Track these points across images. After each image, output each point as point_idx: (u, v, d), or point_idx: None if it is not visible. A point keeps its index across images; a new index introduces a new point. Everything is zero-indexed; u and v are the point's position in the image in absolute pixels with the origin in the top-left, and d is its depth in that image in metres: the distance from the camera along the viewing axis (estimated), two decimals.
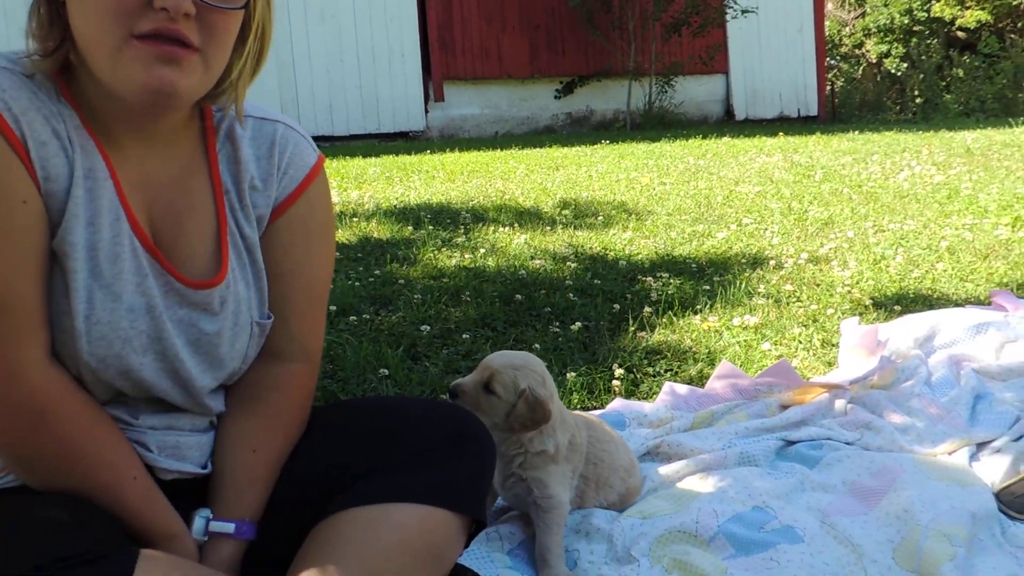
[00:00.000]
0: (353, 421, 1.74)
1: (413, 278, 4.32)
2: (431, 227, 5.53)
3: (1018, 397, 2.81)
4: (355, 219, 5.80)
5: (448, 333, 3.50)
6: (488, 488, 1.78)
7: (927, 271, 4.40)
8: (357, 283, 4.18)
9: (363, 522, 1.53)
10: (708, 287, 4.15)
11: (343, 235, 5.33)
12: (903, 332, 3.38)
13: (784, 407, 2.81)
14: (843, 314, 3.71)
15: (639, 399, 2.96)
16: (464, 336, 3.43)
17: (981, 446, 2.60)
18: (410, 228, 5.54)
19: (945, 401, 2.83)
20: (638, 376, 3.13)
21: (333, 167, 8.53)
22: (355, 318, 3.65)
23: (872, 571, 2.00)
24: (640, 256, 4.78)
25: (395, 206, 6.28)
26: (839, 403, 2.81)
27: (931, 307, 3.77)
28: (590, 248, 4.98)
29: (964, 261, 4.52)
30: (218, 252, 1.53)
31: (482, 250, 4.91)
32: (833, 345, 3.41)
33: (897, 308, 3.78)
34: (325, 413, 1.77)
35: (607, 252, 4.89)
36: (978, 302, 3.88)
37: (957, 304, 3.84)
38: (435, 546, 1.61)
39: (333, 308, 3.72)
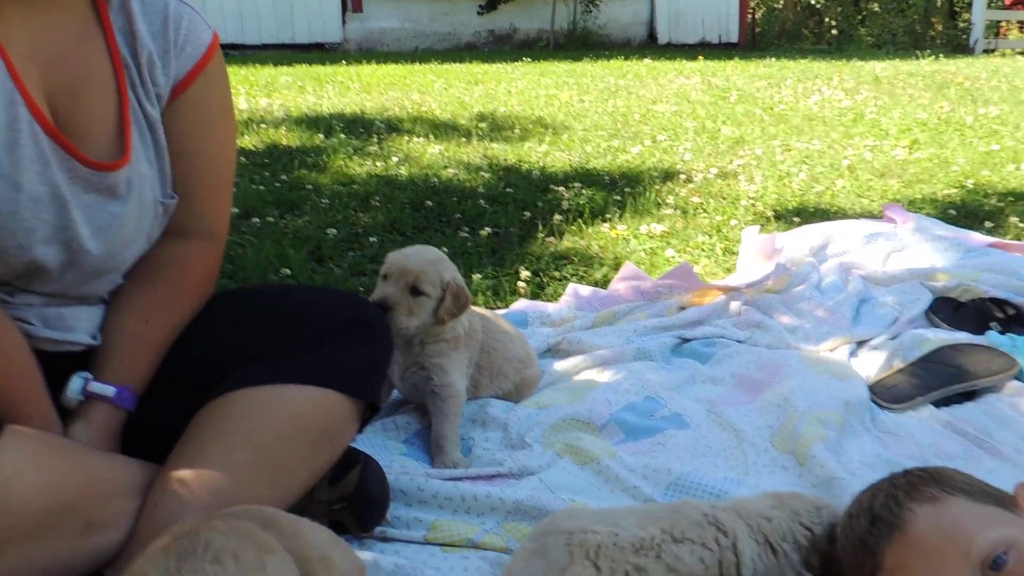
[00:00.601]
0: (251, 307, 1.70)
1: (322, 184, 4.21)
2: (343, 136, 5.37)
3: (898, 300, 2.97)
4: (263, 126, 5.58)
5: (355, 237, 3.45)
6: (384, 375, 1.78)
7: (827, 187, 4.55)
8: (262, 187, 4.05)
9: (254, 402, 1.51)
10: (619, 198, 4.20)
11: (249, 141, 5.13)
12: (799, 241, 3.50)
13: (683, 308, 2.90)
14: (746, 225, 3.81)
15: (544, 301, 3.00)
16: (372, 240, 3.39)
17: (861, 344, 2.75)
18: (321, 136, 5.38)
19: (832, 304, 2.96)
20: (544, 280, 3.17)
21: (241, 75, 8.15)
22: (258, 220, 3.55)
23: (751, 453, 2.11)
24: (554, 168, 4.78)
25: (306, 115, 6.07)
26: (734, 305, 2.91)
27: (829, 220, 3.91)
28: (505, 159, 4.95)
29: (863, 179, 4.69)
30: (121, 131, 1.45)
31: (395, 159, 4.81)
32: (734, 253, 3.51)
33: (796, 220, 3.91)
34: (223, 299, 1.72)
35: (521, 164, 4.86)
36: (872, 216, 4.04)
37: (853, 217, 3.99)
38: (327, 428, 1.61)
39: (236, 210, 3.61)
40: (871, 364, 2.60)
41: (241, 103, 6.50)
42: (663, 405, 2.23)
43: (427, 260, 2.06)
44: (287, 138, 5.26)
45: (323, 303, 1.72)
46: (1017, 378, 2.44)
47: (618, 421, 2.16)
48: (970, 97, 7.46)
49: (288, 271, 3.00)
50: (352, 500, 1.68)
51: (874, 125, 6.18)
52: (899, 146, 5.45)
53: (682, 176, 4.68)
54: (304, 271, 3.02)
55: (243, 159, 4.59)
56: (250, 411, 1.50)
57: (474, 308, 2.21)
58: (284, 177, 4.27)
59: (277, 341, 1.59)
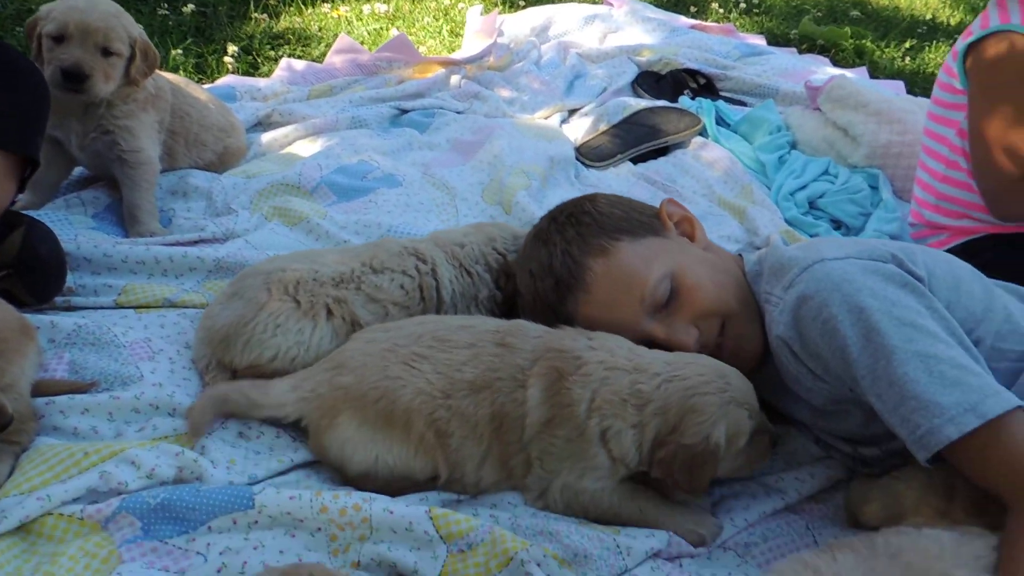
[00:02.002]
0: None
1: None
2: None
3: (607, 73, 3.12)
4: None
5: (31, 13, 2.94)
6: (40, 126, 1.58)
7: None
8: None
9: None
10: None
11: None
12: (522, 22, 3.52)
13: (402, 82, 2.84)
14: (480, 7, 3.74)
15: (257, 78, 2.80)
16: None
17: (573, 112, 2.88)
18: None
19: (548, 77, 3.06)
20: (258, 59, 2.94)
21: None
22: None
23: (463, 207, 2.19)
24: None
25: None
26: (454, 79, 2.90)
27: (552, 3, 3.94)
28: None
29: None
30: None
31: None
32: (460, 35, 3.46)
33: (522, 4, 3.91)
34: None
35: None
36: (595, 1, 4.13)
37: (574, 1, 4.05)
38: None
39: None
40: (579, 129, 2.74)
41: None
42: (376, 167, 2.22)
43: (109, 15, 1.80)
44: None
45: None
46: (701, 134, 2.70)
47: (329, 183, 2.12)
48: None
49: None
50: (18, 266, 1.52)
51: None
52: None
53: None
54: None
55: None
56: None
57: (157, 72, 2.00)
58: None
59: None
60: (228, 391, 1.36)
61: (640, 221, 1.52)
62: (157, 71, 1.95)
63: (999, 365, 1.25)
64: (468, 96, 2.80)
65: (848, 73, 3.27)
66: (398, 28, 3.42)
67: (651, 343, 1.39)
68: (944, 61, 1.90)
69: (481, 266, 1.64)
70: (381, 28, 3.39)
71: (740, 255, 1.56)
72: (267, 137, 2.33)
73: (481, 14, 3.47)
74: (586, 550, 1.20)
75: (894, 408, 1.15)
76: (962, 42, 1.79)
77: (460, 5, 3.81)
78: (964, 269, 1.36)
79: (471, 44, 3.27)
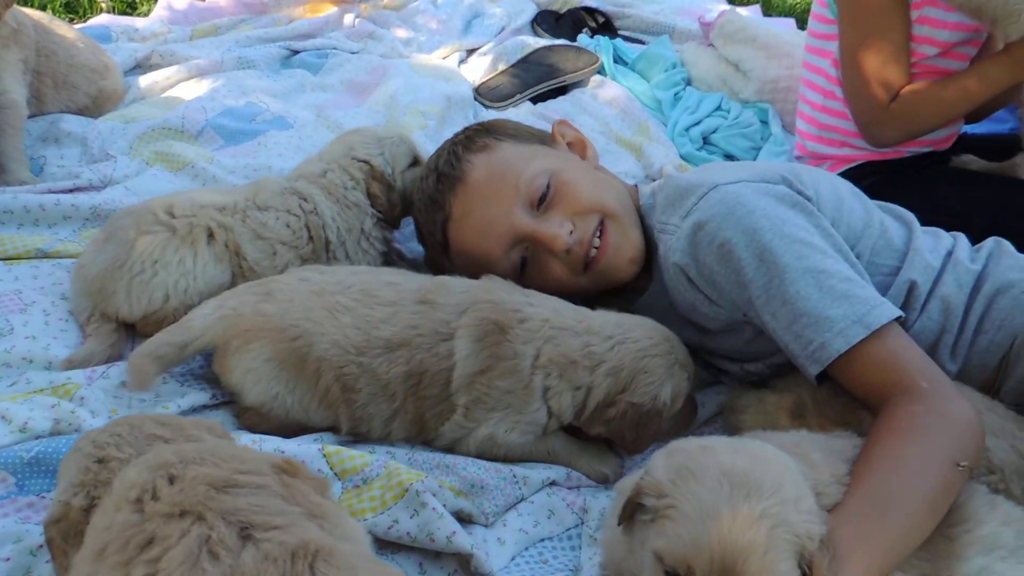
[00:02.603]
0: None
1: None
2: None
3: (506, 12, 3.07)
4: None
5: None
6: None
7: None
8: None
9: None
10: None
11: None
12: None
13: (292, 22, 2.73)
14: None
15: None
16: None
17: (472, 52, 2.84)
18: None
19: (446, 17, 2.99)
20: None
21: None
22: None
23: None
24: None
25: None
26: (348, 18, 2.81)
27: None
28: None
29: None
30: None
31: None
32: None
33: None
34: None
35: None
36: None
37: None
38: None
39: None
40: (478, 69, 2.70)
41: None
42: (265, 109, 2.14)
43: None
44: None
45: None
46: (600, 73, 2.71)
47: (215, 127, 2.03)
48: None
49: None
50: None
51: None
52: None
53: None
54: None
55: None
56: None
57: (16, 7, 1.86)
58: None
59: None
60: (152, 351, 1.26)
61: (530, 133, 1.57)
62: (16, 6, 1.81)
63: (874, 279, 1.31)
64: (362, 36, 2.72)
65: (741, 10, 3.32)
66: None
67: (524, 241, 1.41)
68: None
69: (360, 192, 1.59)
70: None
71: (635, 186, 1.58)
72: (146, 80, 2.21)
73: None
74: (483, 480, 1.22)
75: (788, 326, 1.19)
76: None
77: None
78: (845, 187, 1.42)
79: None
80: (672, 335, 1.31)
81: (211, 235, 1.42)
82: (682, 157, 2.29)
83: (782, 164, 1.46)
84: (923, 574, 0.94)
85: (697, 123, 2.41)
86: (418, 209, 1.57)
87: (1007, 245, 1.39)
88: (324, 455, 1.17)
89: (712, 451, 0.90)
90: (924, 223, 1.46)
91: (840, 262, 1.21)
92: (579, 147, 1.59)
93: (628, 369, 1.24)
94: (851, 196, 1.39)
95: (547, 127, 2.36)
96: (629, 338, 1.27)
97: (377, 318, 1.28)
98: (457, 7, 3.08)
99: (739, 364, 1.45)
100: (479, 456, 1.28)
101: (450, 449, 1.30)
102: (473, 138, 1.52)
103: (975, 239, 1.47)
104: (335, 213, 1.55)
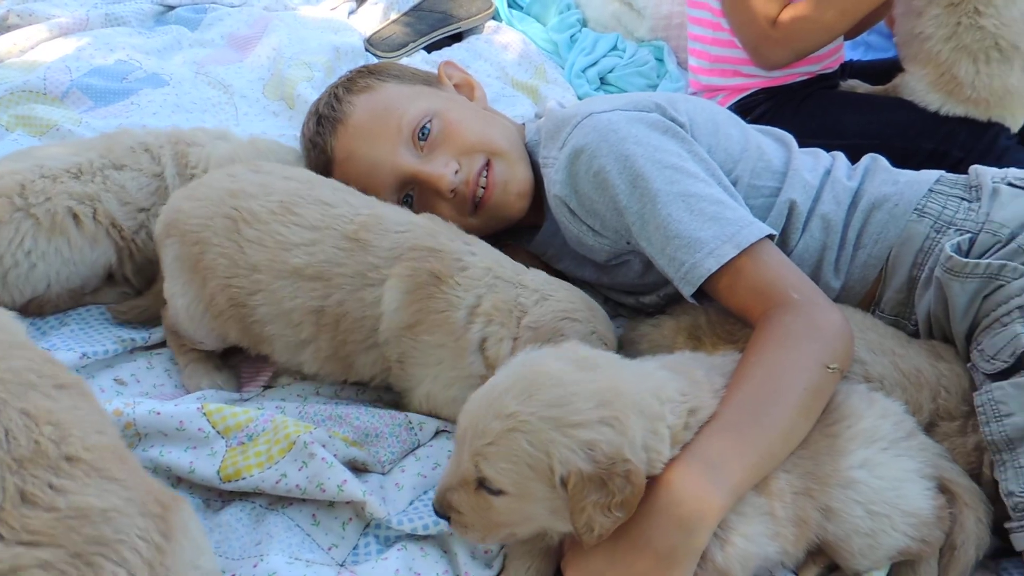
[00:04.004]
0: None
1: None
2: None
3: None
4: None
5: None
6: None
7: None
8: None
9: None
10: None
11: None
12: None
13: None
14: None
15: None
16: None
17: (363, 2, 2.73)
18: None
19: None
20: None
21: None
22: None
23: (242, 105, 2.04)
24: None
25: None
26: None
27: None
28: None
29: None
30: None
31: None
32: None
33: None
34: None
35: None
36: None
37: None
38: None
39: None
40: (370, 18, 2.61)
41: None
42: (138, 67, 2.01)
43: None
44: None
45: None
46: (495, 18, 2.65)
47: (83, 87, 1.90)
48: None
49: None
50: None
51: None
52: None
53: None
54: None
55: None
56: None
57: None
58: None
59: None
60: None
61: (415, 74, 1.53)
62: None
63: (755, 201, 1.32)
64: None
65: None
66: None
67: (409, 182, 1.39)
68: None
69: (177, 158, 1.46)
70: None
71: (523, 124, 1.56)
72: (3, 42, 2.05)
73: None
74: (376, 429, 1.19)
75: (661, 249, 1.20)
76: None
77: None
78: (722, 114, 1.42)
79: None
80: (595, 305, 1.27)
81: (76, 217, 1.33)
82: (579, 99, 2.27)
83: (659, 93, 1.46)
84: (807, 471, 0.96)
85: (594, 64, 2.39)
86: (303, 153, 1.51)
87: (882, 161, 1.42)
88: (204, 413, 1.12)
89: (549, 357, 0.93)
90: (818, 146, 1.48)
91: (712, 186, 1.22)
92: (466, 88, 1.57)
93: (547, 327, 1.18)
94: (728, 121, 1.40)
95: None
96: (553, 297, 1.21)
97: (291, 240, 1.19)
98: None
99: (634, 297, 1.46)
100: (432, 414, 1.22)
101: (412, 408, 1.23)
102: (355, 79, 1.47)
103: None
104: (173, 175, 1.42)
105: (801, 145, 1.44)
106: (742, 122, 1.44)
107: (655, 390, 0.92)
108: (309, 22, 2.44)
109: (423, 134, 1.39)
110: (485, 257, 1.23)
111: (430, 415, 1.23)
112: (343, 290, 1.18)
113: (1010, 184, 1.26)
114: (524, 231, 1.51)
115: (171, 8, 2.41)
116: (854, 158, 1.95)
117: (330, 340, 1.21)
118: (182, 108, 1.94)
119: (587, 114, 1.30)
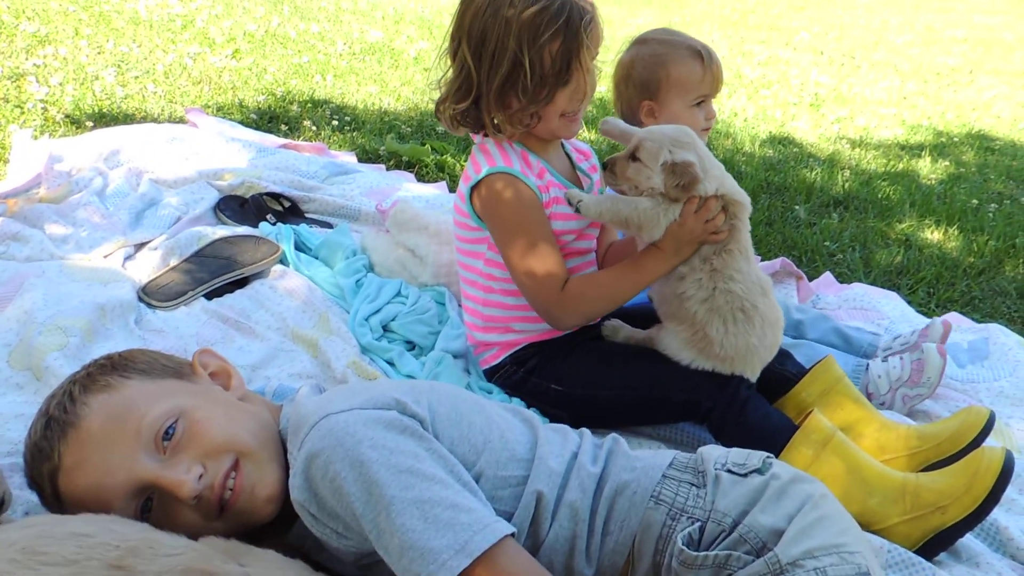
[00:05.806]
0: None
1: None
2: None
3: (183, 201, 2.96)
4: None
5: None
6: None
7: (138, 91, 4.32)
8: None
9: None
10: None
11: None
12: (88, 147, 3.22)
13: None
14: (31, 130, 3.36)
15: None
16: None
17: (140, 247, 2.67)
18: None
19: (112, 209, 2.81)
20: None
21: None
22: None
23: None
24: None
25: None
26: None
27: (132, 124, 3.70)
28: None
29: (177, 85, 4.58)
30: None
31: None
32: (6, 162, 3.07)
33: (90, 125, 3.61)
34: None
35: None
36: (180, 120, 3.97)
37: (161, 122, 3.86)
38: None
39: None
40: (147, 266, 2.54)
41: None
42: None
43: None
44: None
45: None
46: (282, 262, 2.66)
47: None
48: (299, 14, 7.94)
49: None
50: None
51: (202, 33, 6.10)
52: (222, 55, 5.48)
53: None
54: None
55: None
56: None
57: None
58: None
59: None
60: None
61: (165, 366, 1.46)
62: None
63: (503, 492, 1.33)
64: (4, 238, 2.45)
65: (430, 187, 3.49)
66: None
67: (147, 489, 1.30)
68: (453, 202, 2.07)
69: None
70: None
71: (280, 407, 1.53)
72: None
73: (33, 138, 3.12)
74: None
75: (398, 559, 1.17)
76: (464, 185, 1.98)
77: (12, 127, 3.40)
78: (468, 402, 1.44)
79: (18, 172, 2.90)
80: None
81: None
82: (362, 348, 2.27)
83: (403, 383, 1.48)
84: None
85: (377, 311, 2.42)
86: (24, 458, 1.38)
87: (623, 444, 1.49)
88: None
89: None
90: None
91: (449, 486, 1.21)
92: (223, 376, 1.54)
93: None
94: (473, 409, 1.42)
95: (220, 327, 2.30)
96: None
97: None
98: (126, 198, 2.91)
99: None
100: None
101: None
102: (95, 376, 1.39)
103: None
104: None
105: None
106: (488, 406, 1.47)
107: None
108: (76, 273, 2.33)
109: (167, 435, 1.33)
110: None
111: None
112: None
113: (729, 471, 1.35)
114: (280, 523, 1.43)
115: None
116: (620, 407, 2.07)
117: None
118: None
119: (324, 415, 1.28)
